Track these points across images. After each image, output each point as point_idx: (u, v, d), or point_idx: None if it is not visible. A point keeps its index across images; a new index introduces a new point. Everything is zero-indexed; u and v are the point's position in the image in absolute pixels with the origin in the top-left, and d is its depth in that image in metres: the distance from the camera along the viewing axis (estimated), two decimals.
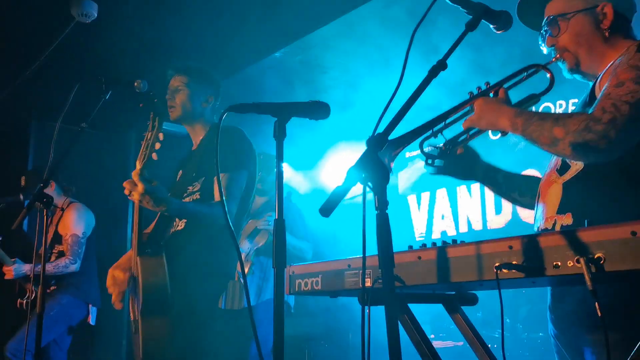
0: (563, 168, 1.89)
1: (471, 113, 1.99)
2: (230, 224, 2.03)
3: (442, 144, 2.11)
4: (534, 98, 2.02)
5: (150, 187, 2.52)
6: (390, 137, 1.43)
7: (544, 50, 2.09)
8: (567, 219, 1.80)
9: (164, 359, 2.67)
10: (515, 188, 2.22)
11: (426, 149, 2.12)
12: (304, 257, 4.56)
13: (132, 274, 2.83)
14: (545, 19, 2.05)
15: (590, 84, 2.01)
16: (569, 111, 4.66)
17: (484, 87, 2.01)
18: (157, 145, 2.65)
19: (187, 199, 2.92)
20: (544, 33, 2.06)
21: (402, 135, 1.95)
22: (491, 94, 1.98)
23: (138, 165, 2.59)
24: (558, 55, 2.01)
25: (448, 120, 2.05)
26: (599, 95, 1.78)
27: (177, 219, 2.91)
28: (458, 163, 2.19)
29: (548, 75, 2.00)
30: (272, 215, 4.52)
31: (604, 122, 1.62)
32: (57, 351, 4.58)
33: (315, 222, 4.89)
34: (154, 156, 2.63)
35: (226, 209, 2.70)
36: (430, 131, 2.03)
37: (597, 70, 1.98)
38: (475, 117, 1.96)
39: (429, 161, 2.13)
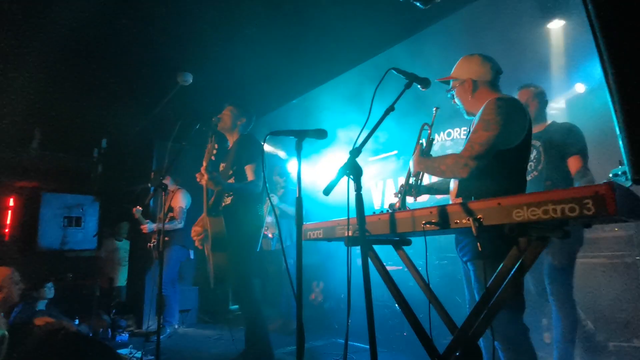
0: None
1: None
2: (266, 189, 2.09)
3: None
4: (432, 142, 2.08)
5: (212, 175, 2.71)
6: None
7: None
8: (459, 200, 1.83)
9: (225, 276, 2.76)
10: (443, 189, 2.22)
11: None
12: None
13: (204, 227, 2.89)
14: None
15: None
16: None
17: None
18: (214, 152, 2.82)
19: (229, 181, 2.98)
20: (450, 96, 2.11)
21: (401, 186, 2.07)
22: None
23: (204, 164, 2.77)
24: (458, 107, 2.07)
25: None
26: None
27: (225, 196, 2.97)
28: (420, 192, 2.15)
29: (429, 131, 2.08)
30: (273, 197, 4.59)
31: (465, 157, 1.71)
32: (172, 289, 4.61)
33: (317, 200, 4.88)
34: (213, 158, 2.81)
35: (257, 183, 2.88)
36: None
37: (475, 113, 1.99)
38: (411, 168, 2.02)
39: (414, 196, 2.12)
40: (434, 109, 2.09)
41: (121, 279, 5.59)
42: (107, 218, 5.39)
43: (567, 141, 2.64)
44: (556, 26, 3.79)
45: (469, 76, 1.97)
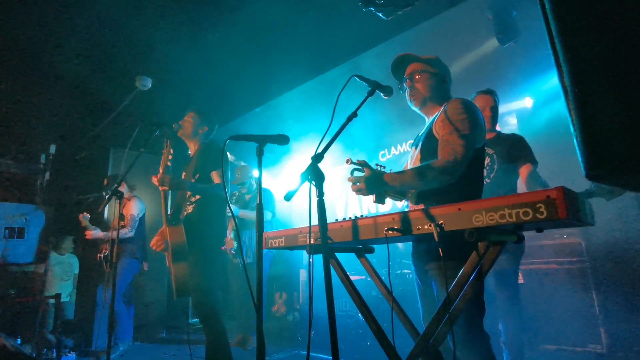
0: None
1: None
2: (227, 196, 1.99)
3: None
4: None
5: (173, 177, 2.63)
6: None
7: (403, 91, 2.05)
8: (420, 206, 1.80)
9: (187, 286, 2.63)
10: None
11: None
12: (265, 219, 4.45)
13: (164, 238, 2.76)
14: (409, 72, 2.01)
15: (426, 119, 2.01)
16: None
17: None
18: (170, 157, 2.73)
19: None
20: (405, 79, 2.01)
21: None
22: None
23: (161, 170, 2.67)
24: (412, 93, 1.98)
25: None
26: (438, 134, 1.78)
27: (187, 205, 2.85)
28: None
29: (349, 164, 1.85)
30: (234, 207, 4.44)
31: (449, 161, 1.65)
32: (123, 304, 4.35)
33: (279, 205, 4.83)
34: (169, 164, 2.73)
35: (221, 189, 2.75)
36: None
37: (431, 110, 1.97)
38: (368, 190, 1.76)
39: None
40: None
41: (63, 294, 5.21)
42: (55, 229, 5.02)
43: (519, 151, 2.74)
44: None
45: (445, 74, 1.98)
